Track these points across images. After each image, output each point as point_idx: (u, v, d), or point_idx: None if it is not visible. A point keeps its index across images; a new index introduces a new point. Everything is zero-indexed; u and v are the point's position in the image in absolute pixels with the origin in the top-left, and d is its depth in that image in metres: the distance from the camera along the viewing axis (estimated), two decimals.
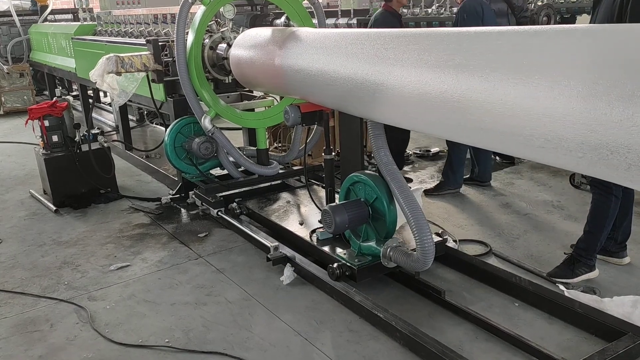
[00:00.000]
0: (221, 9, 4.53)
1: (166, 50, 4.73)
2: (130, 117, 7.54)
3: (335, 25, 10.40)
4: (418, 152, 6.21)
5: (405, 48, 2.56)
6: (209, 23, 4.57)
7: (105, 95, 9.30)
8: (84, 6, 8.19)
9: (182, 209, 4.84)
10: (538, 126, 1.89)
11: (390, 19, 5.11)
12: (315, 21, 4.79)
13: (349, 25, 10.15)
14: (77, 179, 4.99)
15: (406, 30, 2.76)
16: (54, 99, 5.23)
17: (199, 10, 4.40)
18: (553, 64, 1.88)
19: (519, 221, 4.28)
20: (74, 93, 9.44)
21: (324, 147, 3.74)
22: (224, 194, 4.58)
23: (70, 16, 11.45)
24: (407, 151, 6.19)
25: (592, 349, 2.61)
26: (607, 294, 3.10)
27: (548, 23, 7.33)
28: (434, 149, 6.18)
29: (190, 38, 4.38)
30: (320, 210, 3.52)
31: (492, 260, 3.66)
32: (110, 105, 7.84)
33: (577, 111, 1.73)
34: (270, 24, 11.47)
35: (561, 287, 3.20)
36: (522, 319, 2.98)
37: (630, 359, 2.54)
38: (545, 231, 4.06)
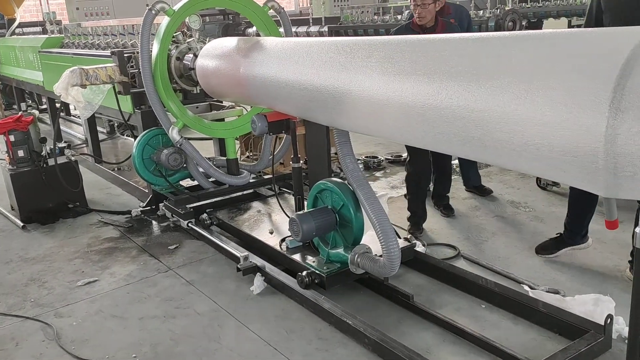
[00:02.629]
0: (187, 19, 4.52)
1: (132, 62, 4.69)
2: (101, 129, 7.47)
3: (307, 33, 10.47)
4: (390, 157, 6.26)
5: (368, 56, 2.58)
6: (175, 34, 4.56)
7: (75, 108, 9.19)
8: (51, 19, 8.09)
9: (153, 222, 4.80)
10: (505, 132, 1.92)
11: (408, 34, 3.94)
12: (281, 30, 4.81)
13: (321, 33, 10.22)
14: (45, 193, 4.91)
15: (369, 38, 2.80)
16: (20, 113, 5.16)
17: (163, 20, 4.38)
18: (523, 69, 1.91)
19: (487, 223, 4.33)
20: (44, 106, 9.29)
21: (292, 156, 3.75)
22: (194, 205, 4.55)
23: (39, 29, 11.31)
24: (379, 157, 6.25)
25: (556, 348, 2.64)
26: (570, 293, 3.15)
27: (514, 28, 7.47)
28: (406, 154, 6.21)
29: (155, 49, 4.36)
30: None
31: (461, 263, 3.70)
32: (80, 118, 7.74)
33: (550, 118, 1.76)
34: (242, 33, 11.50)
35: (526, 287, 3.25)
36: (488, 321, 3.01)
37: (592, 357, 2.59)
38: (513, 232, 4.12)
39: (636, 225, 2.10)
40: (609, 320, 2.63)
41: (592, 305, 2.86)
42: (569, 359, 2.48)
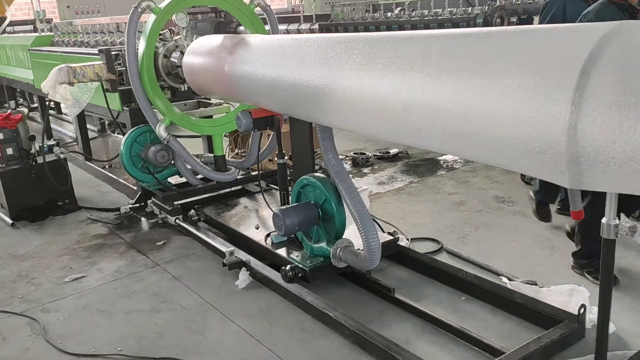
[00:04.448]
0: (173, 17, 4.55)
1: (119, 60, 4.73)
2: (92, 127, 7.50)
3: (298, 31, 10.49)
4: (378, 153, 6.31)
5: (349, 53, 2.63)
6: (162, 31, 4.59)
7: (65, 107, 9.19)
8: (41, 17, 8.10)
9: (142, 218, 4.84)
10: (474, 125, 1.97)
11: (613, 12, 3.48)
12: (268, 27, 4.85)
13: (312, 30, 10.25)
14: (34, 191, 4.95)
15: (352, 35, 2.84)
16: (8, 111, 5.19)
17: (149, 18, 4.42)
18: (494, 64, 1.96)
19: (471, 218, 4.40)
20: (34, 105, 9.31)
21: (277, 152, 3.80)
22: (182, 201, 4.59)
23: (30, 27, 11.29)
24: (367, 153, 6.31)
25: (531, 337, 2.70)
26: (548, 284, 3.21)
27: (502, 24, 7.53)
28: (393, 151, 6.29)
29: (141, 47, 4.40)
30: None
31: (444, 257, 3.76)
32: (68, 116, 7.77)
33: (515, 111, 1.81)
34: (234, 31, 11.51)
35: (504, 279, 3.31)
36: (467, 312, 3.08)
37: (566, 345, 2.66)
38: (495, 226, 4.19)
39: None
40: (582, 309, 2.70)
41: (567, 295, 2.93)
42: (543, 347, 2.55)
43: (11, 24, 10.97)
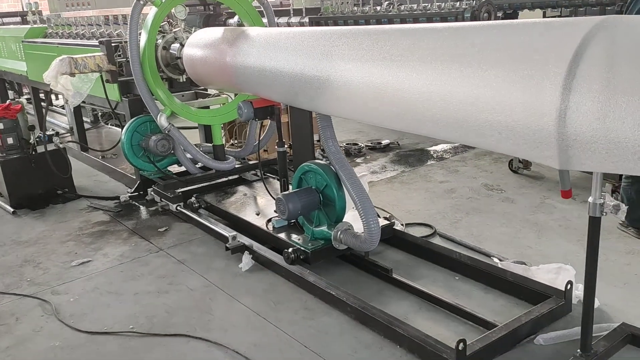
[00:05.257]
0: (173, 10, 4.65)
1: (119, 51, 4.83)
2: (84, 118, 7.54)
3: (288, 24, 10.60)
4: (370, 144, 6.48)
5: (347, 44, 2.78)
6: (161, 24, 4.70)
7: (57, 98, 9.23)
8: (33, 9, 8.10)
9: (141, 206, 4.95)
10: (461, 111, 2.15)
11: None
12: (265, 20, 4.97)
13: (302, 24, 10.36)
14: (34, 180, 5.03)
15: (348, 27, 2.98)
16: (8, 101, 5.25)
17: (150, 11, 4.52)
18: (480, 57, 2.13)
19: (462, 204, 4.58)
20: (26, 96, 9.30)
21: (277, 140, 3.94)
22: (182, 189, 4.72)
23: (18, 19, 11.24)
24: (360, 144, 6.47)
25: (522, 312, 2.89)
26: (536, 264, 3.40)
27: (489, 19, 7.72)
28: (385, 141, 6.46)
29: (143, 39, 4.50)
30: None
31: (437, 240, 3.94)
32: (63, 108, 7.81)
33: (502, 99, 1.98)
34: (223, 24, 11.56)
35: (495, 259, 3.50)
36: (461, 291, 3.26)
37: (553, 319, 2.85)
38: (485, 212, 4.38)
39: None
40: (569, 286, 2.89)
41: (554, 273, 3.12)
42: (532, 320, 2.74)
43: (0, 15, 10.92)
